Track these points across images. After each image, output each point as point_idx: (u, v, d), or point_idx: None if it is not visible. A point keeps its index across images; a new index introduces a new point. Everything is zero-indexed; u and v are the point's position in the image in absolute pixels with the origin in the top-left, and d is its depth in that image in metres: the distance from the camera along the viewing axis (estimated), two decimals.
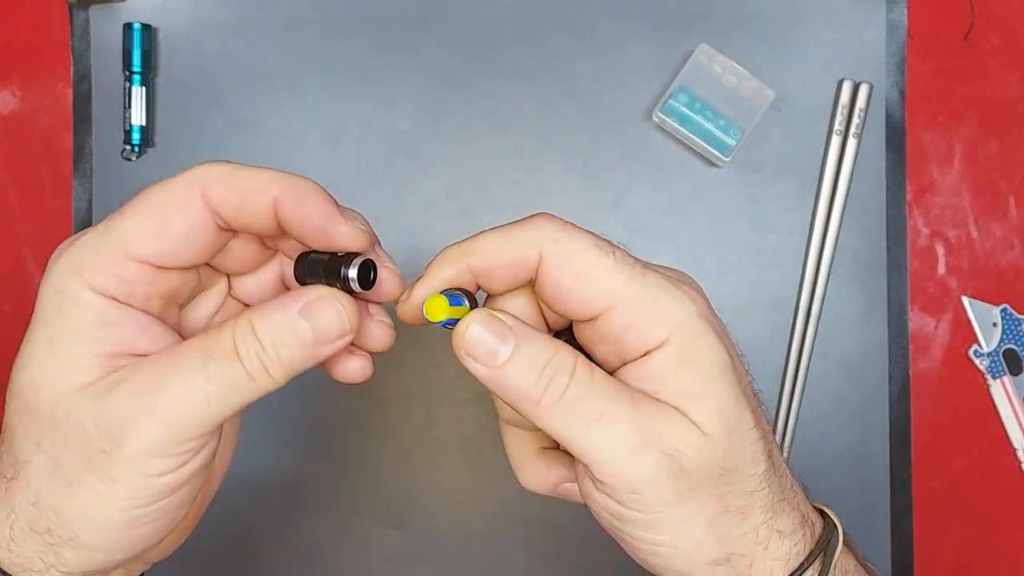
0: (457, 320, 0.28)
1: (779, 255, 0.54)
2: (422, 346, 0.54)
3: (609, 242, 0.29)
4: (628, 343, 0.28)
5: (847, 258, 0.54)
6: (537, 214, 0.29)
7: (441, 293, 0.28)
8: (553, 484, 0.33)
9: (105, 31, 0.55)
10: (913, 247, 0.54)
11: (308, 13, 0.55)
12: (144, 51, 0.53)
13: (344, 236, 0.28)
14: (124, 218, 0.27)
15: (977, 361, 0.54)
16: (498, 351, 0.27)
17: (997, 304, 0.54)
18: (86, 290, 0.27)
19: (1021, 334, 0.54)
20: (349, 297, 0.28)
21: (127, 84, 0.54)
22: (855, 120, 0.53)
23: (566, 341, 0.29)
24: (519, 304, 0.30)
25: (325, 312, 0.27)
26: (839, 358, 0.54)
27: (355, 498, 0.54)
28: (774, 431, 0.53)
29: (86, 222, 0.55)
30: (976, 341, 0.54)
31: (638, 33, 0.54)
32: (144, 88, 0.54)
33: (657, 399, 0.28)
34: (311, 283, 0.28)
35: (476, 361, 0.27)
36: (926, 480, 0.54)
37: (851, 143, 0.53)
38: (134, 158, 0.54)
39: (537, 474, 0.33)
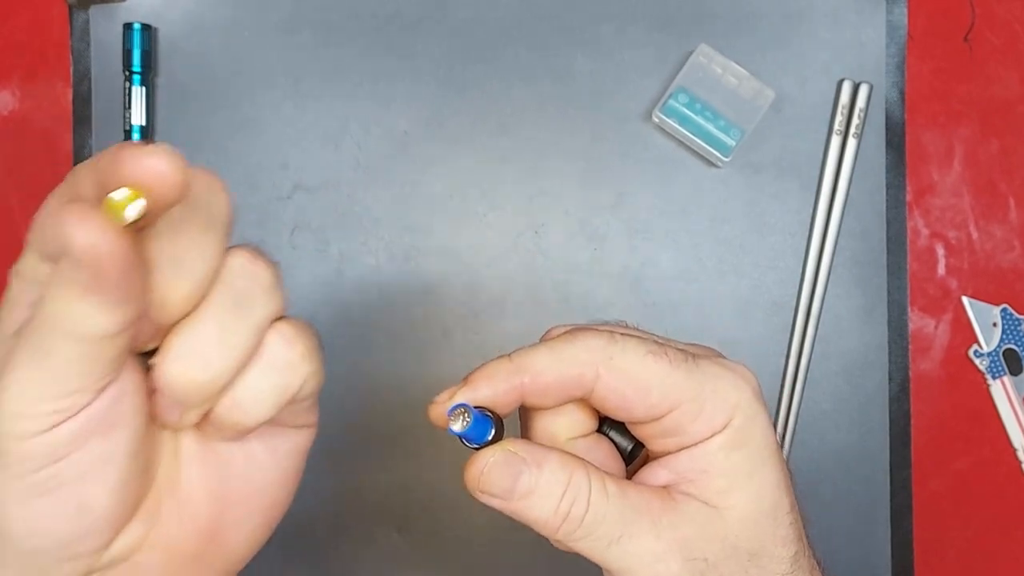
0: (469, 435, 0.28)
1: (779, 255, 0.54)
2: (422, 347, 0.54)
3: (657, 341, 0.29)
4: (693, 432, 0.28)
5: (847, 258, 0.54)
6: (580, 329, 0.29)
7: (480, 413, 0.28)
8: None
9: (105, 31, 0.55)
10: (913, 247, 0.54)
11: (308, 13, 0.55)
12: (144, 51, 0.53)
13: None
14: None
15: (977, 361, 0.54)
16: (514, 487, 0.27)
17: (997, 304, 0.54)
18: None
19: (1021, 334, 0.54)
20: None
21: (127, 84, 0.54)
22: (855, 120, 0.53)
23: (615, 433, 0.30)
24: (569, 417, 0.30)
25: None
26: (839, 358, 0.54)
27: (355, 498, 0.54)
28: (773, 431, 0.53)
29: None
30: (976, 341, 0.54)
31: (638, 34, 0.54)
32: (144, 88, 0.54)
33: (689, 494, 0.28)
34: None
35: (492, 497, 0.28)
36: (926, 480, 0.54)
37: (851, 143, 0.53)
38: None
39: None
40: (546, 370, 0.28)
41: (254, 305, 0.24)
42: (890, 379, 0.54)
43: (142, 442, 0.25)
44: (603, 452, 0.30)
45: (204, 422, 0.25)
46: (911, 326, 0.54)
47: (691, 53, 0.53)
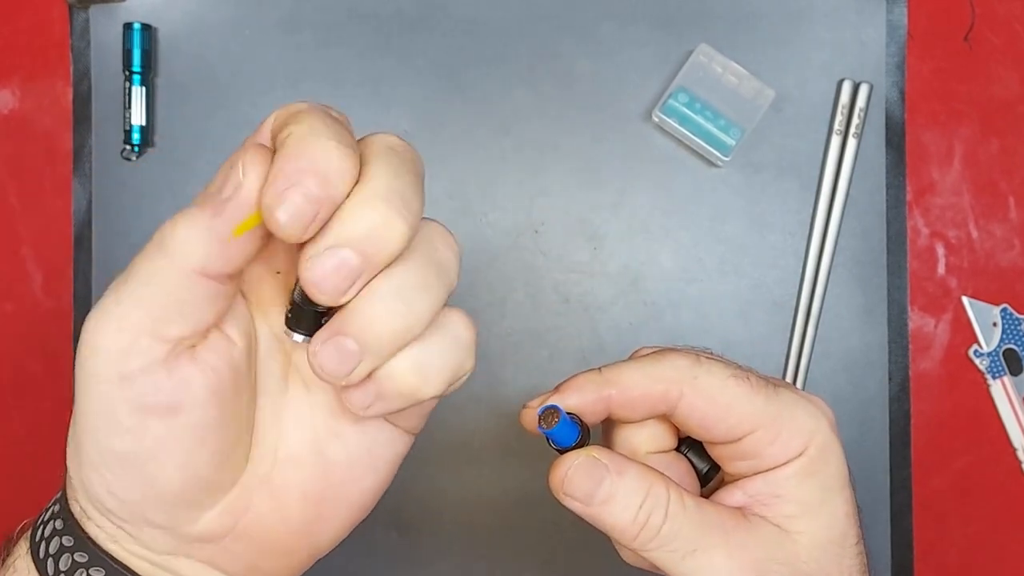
0: (556, 435, 0.29)
1: (779, 255, 0.54)
2: None
3: (739, 367, 0.30)
4: (769, 457, 0.29)
5: (847, 258, 0.54)
6: (668, 350, 0.31)
7: (569, 417, 0.29)
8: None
9: (105, 31, 0.55)
10: (913, 247, 0.54)
11: (308, 13, 0.55)
12: (144, 51, 0.53)
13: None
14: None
15: (977, 361, 0.54)
16: (596, 492, 0.29)
17: (997, 304, 0.54)
18: None
19: (1021, 334, 0.54)
20: None
21: (127, 84, 0.54)
22: (855, 120, 0.53)
23: (693, 452, 0.31)
24: (650, 432, 0.31)
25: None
26: (839, 358, 0.54)
27: None
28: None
29: (86, 222, 0.55)
30: (976, 341, 0.54)
31: (638, 33, 0.54)
32: (144, 88, 0.54)
33: (762, 516, 0.29)
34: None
35: (574, 500, 0.29)
36: (926, 479, 0.54)
37: (851, 143, 0.53)
38: (134, 158, 0.54)
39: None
40: (633, 385, 0.30)
41: (449, 271, 0.27)
42: (890, 378, 0.54)
43: (217, 429, 0.26)
44: (680, 470, 0.32)
45: (362, 394, 0.25)
46: (911, 325, 0.54)
47: (691, 53, 0.53)
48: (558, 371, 0.54)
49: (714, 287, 0.54)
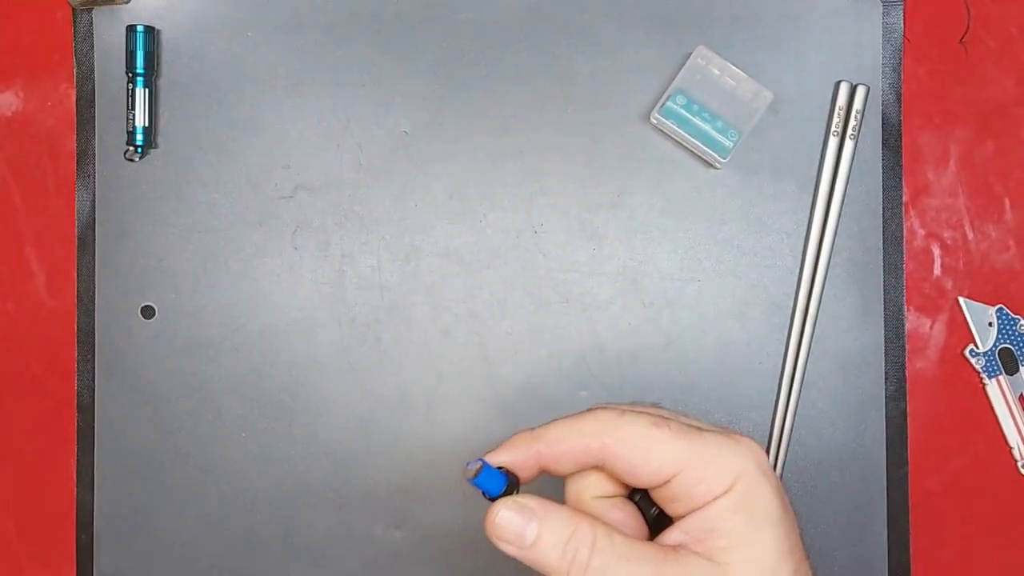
0: (490, 485, 0.33)
1: (776, 256, 0.54)
2: (422, 347, 0.54)
3: (663, 416, 0.33)
4: (698, 496, 0.31)
5: (844, 259, 0.54)
6: (594, 407, 0.34)
7: (496, 468, 0.33)
8: None
9: (108, 33, 0.55)
10: (909, 248, 0.55)
11: (310, 15, 0.55)
12: (147, 53, 0.54)
13: None
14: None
15: (973, 361, 0.55)
16: (524, 533, 0.31)
17: (993, 304, 0.55)
18: None
19: (1016, 334, 0.55)
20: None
21: (130, 85, 0.54)
22: (852, 122, 0.54)
23: (641, 499, 0.34)
24: (594, 480, 0.34)
25: None
26: (836, 358, 0.54)
27: (355, 498, 0.55)
28: (771, 432, 0.54)
29: (89, 223, 0.55)
30: (972, 341, 0.55)
31: (636, 35, 0.55)
32: (147, 89, 0.54)
33: (694, 551, 0.31)
34: None
35: (507, 543, 0.32)
36: (922, 479, 0.54)
37: (848, 145, 0.54)
38: (137, 159, 0.55)
39: None
40: (558, 439, 0.33)
41: None
42: (886, 378, 0.54)
43: None
44: (628, 515, 0.34)
45: None
46: (907, 326, 0.54)
47: (689, 55, 0.53)
48: (557, 371, 0.54)
49: (712, 287, 0.54)
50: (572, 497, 0.34)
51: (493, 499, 0.33)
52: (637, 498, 0.35)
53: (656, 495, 0.33)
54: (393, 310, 0.55)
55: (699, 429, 0.32)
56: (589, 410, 0.33)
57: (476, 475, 0.32)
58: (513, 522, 0.31)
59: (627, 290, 0.54)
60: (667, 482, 0.32)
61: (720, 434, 0.32)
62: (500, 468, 0.33)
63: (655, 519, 0.35)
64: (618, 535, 0.31)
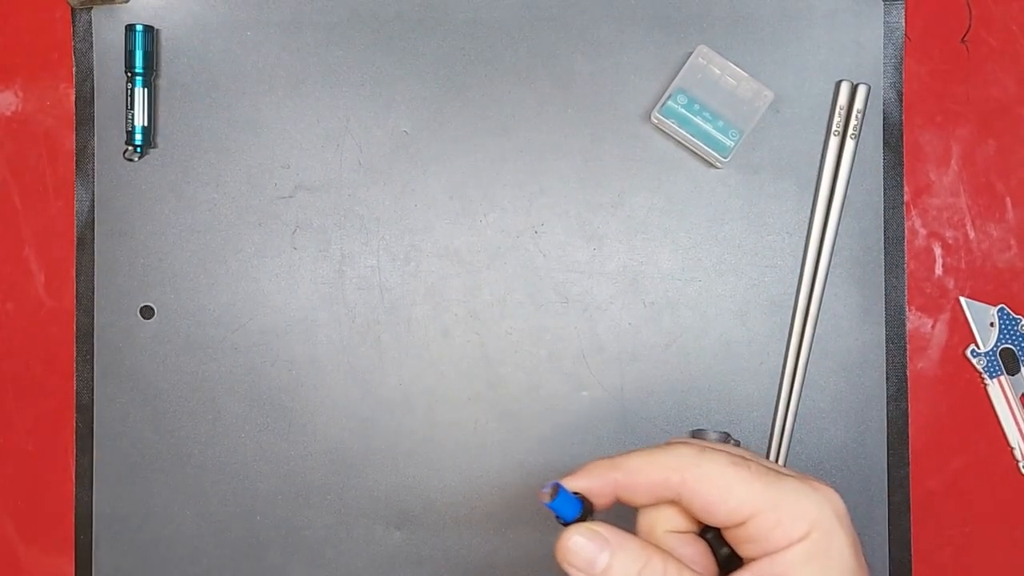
0: (565, 509, 0.32)
1: (777, 255, 0.54)
2: (422, 347, 0.54)
3: (743, 456, 0.33)
4: (773, 541, 0.31)
5: (845, 258, 0.54)
6: (675, 441, 0.34)
7: (571, 493, 0.33)
8: None
9: (107, 32, 0.55)
10: (910, 247, 0.55)
11: (309, 15, 0.55)
12: (146, 52, 0.54)
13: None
14: None
15: (974, 361, 0.54)
16: (596, 560, 0.31)
17: (994, 304, 0.55)
18: None
19: (1018, 334, 0.54)
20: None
21: (129, 85, 0.54)
22: (853, 121, 0.53)
23: (713, 538, 0.34)
24: (667, 514, 0.34)
25: None
26: (837, 358, 0.54)
27: (355, 498, 0.55)
28: (771, 432, 0.54)
29: (88, 223, 0.55)
30: (973, 341, 0.55)
31: (637, 35, 0.54)
32: (146, 89, 0.54)
33: None
34: None
35: (577, 570, 0.31)
36: (923, 479, 0.54)
37: (849, 144, 0.53)
38: (136, 159, 0.55)
39: None
40: (637, 470, 0.33)
41: None
42: (888, 378, 0.54)
43: None
44: (699, 552, 0.34)
45: None
46: (909, 325, 0.54)
47: (690, 54, 0.53)
48: (558, 371, 0.54)
49: (712, 287, 0.54)
50: (644, 529, 0.34)
51: (566, 524, 0.32)
52: (709, 536, 0.34)
53: (729, 535, 0.33)
54: (393, 310, 0.55)
55: (779, 473, 0.32)
56: (668, 443, 0.33)
57: (552, 498, 0.32)
58: (586, 549, 0.31)
59: (627, 290, 0.54)
60: (743, 523, 0.31)
61: (800, 480, 0.32)
62: (575, 493, 0.33)
63: (726, 559, 0.34)
64: (688, 572, 0.31)
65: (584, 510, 0.33)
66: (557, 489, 0.32)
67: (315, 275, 0.55)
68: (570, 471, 0.34)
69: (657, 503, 0.34)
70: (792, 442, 0.54)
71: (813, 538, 0.31)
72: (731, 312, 0.54)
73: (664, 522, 0.34)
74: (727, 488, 0.31)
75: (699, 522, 0.34)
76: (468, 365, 0.54)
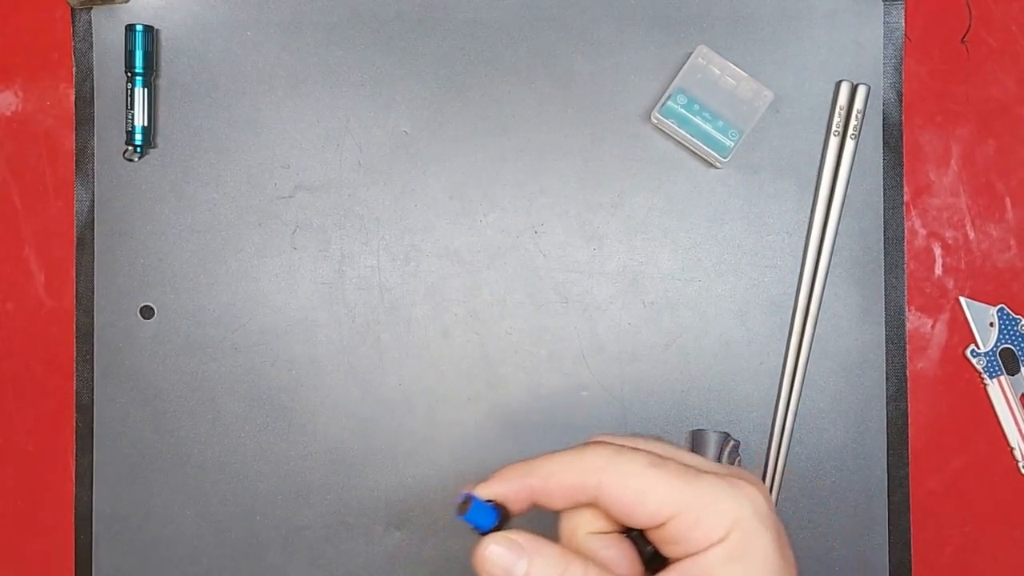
0: (480, 520, 0.32)
1: (777, 255, 0.54)
2: (422, 347, 0.54)
3: (661, 456, 0.32)
4: (694, 541, 0.30)
5: (845, 258, 0.54)
6: (592, 441, 0.33)
7: (485, 502, 0.32)
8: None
9: (107, 32, 0.55)
10: (910, 248, 0.55)
11: (309, 15, 0.55)
12: (146, 52, 0.54)
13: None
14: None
15: (974, 361, 0.54)
16: (513, 570, 0.31)
17: (994, 304, 0.55)
18: None
19: (1017, 334, 0.55)
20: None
21: (129, 85, 0.54)
22: (853, 121, 0.53)
23: (638, 537, 0.33)
24: (589, 516, 0.33)
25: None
26: (837, 358, 0.54)
27: (355, 498, 0.55)
28: (771, 432, 0.54)
29: (88, 223, 0.55)
30: (973, 341, 0.55)
31: (637, 35, 0.54)
32: (146, 89, 0.54)
33: None
34: None
35: None
36: (923, 479, 0.54)
37: (849, 144, 0.54)
38: (136, 159, 0.55)
39: None
40: (552, 475, 0.32)
41: None
42: (887, 378, 0.54)
43: None
44: (623, 553, 0.33)
45: None
46: (908, 326, 0.54)
47: (690, 54, 0.53)
48: (557, 371, 0.54)
49: (712, 287, 0.54)
50: (566, 532, 0.34)
51: (484, 533, 0.32)
52: (633, 535, 0.34)
53: (652, 535, 0.32)
54: (393, 310, 0.55)
55: (698, 471, 0.31)
56: (588, 443, 0.33)
57: (465, 510, 0.32)
58: (503, 558, 0.31)
59: (627, 290, 0.54)
60: (663, 524, 0.31)
61: (720, 478, 0.31)
62: (490, 501, 0.32)
63: (651, 558, 0.34)
64: (610, 575, 0.31)
65: (501, 517, 0.32)
66: (471, 500, 0.32)
67: (315, 275, 0.55)
68: (483, 479, 0.33)
69: (577, 506, 0.33)
70: (792, 442, 0.54)
71: (733, 538, 0.30)
72: (731, 312, 0.54)
73: (586, 524, 0.33)
74: (644, 490, 0.31)
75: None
76: (468, 365, 0.55)
